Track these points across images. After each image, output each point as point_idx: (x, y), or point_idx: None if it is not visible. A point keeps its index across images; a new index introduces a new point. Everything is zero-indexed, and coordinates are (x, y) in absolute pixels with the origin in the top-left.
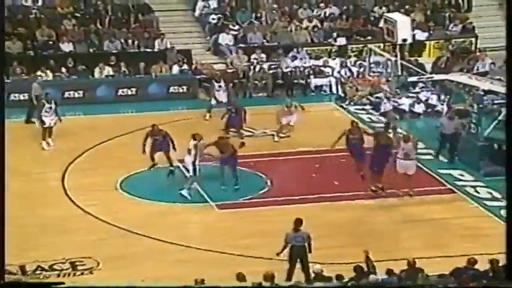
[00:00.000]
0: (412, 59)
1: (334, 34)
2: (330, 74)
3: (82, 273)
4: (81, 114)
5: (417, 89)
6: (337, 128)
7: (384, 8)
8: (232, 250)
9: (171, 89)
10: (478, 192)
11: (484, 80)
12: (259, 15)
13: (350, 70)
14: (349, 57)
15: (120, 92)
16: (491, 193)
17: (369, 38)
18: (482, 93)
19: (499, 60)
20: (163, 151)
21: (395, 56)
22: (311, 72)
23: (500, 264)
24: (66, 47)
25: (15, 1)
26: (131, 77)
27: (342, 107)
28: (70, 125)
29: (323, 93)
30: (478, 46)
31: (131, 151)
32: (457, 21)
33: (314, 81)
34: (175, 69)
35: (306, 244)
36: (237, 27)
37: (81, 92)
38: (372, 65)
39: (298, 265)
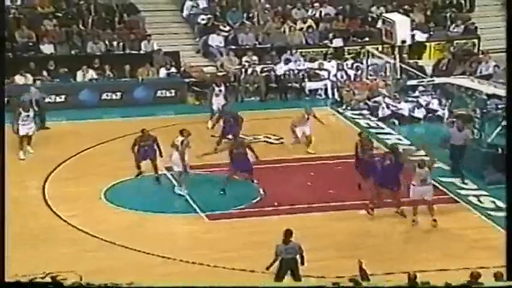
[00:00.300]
0: (411, 61)
1: (330, 35)
2: (326, 77)
3: None
4: (63, 120)
5: (417, 93)
6: (333, 133)
7: (382, 8)
8: (223, 263)
9: (158, 94)
10: (482, 202)
11: (487, 83)
12: (251, 15)
13: (346, 73)
14: (346, 59)
15: (104, 96)
16: (494, 202)
17: (367, 39)
18: (485, 97)
19: (503, 63)
20: (150, 159)
21: (394, 59)
22: (306, 75)
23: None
24: (47, 48)
25: None
26: (116, 80)
27: (338, 111)
28: (51, 131)
29: (318, 97)
30: (480, 48)
31: (116, 159)
32: (458, 21)
33: (309, 85)
34: (163, 72)
35: (298, 256)
36: (227, 28)
37: (63, 96)
38: (370, 68)
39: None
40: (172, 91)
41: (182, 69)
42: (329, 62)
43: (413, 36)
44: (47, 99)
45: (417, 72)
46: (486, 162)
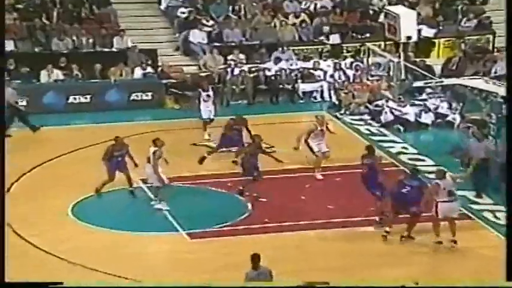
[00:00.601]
0: (418, 60)
1: (326, 31)
2: (321, 78)
3: None
4: (25, 126)
5: (424, 96)
6: (330, 141)
7: (384, 0)
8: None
9: (133, 96)
10: (498, 218)
11: (503, 84)
12: (237, 8)
13: (345, 73)
14: (344, 58)
15: (71, 99)
16: None
17: (367, 35)
18: (501, 100)
19: None
20: (123, 171)
21: (399, 57)
22: (299, 75)
23: None
24: (7, 45)
25: None
26: (85, 81)
27: (336, 117)
28: (12, 139)
29: (313, 100)
30: (496, 45)
31: (86, 170)
32: (471, 15)
33: (302, 87)
34: (138, 72)
35: None
36: (211, 22)
37: (24, 99)
38: (371, 68)
39: None
40: (149, 94)
41: (160, 69)
42: (325, 60)
43: (419, 31)
44: None
45: (424, 73)
46: (503, 173)
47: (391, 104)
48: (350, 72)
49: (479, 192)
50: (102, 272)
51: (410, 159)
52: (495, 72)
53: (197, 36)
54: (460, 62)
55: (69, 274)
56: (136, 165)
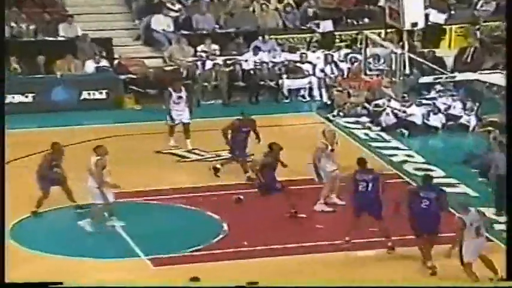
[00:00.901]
0: (425, 51)
1: (315, 15)
2: (310, 72)
3: None
4: None
5: (433, 94)
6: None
7: None
8: None
9: (85, 95)
10: None
11: None
12: None
13: (338, 67)
14: (338, 49)
15: (9, 98)
16: None
17: (365, 21)
18: None
19: None
20: (60, 184)
21: (402, 47)
22: (283, 70)
23: None
24: None
25: None
26: (26, 77)
27: (327, 119)
28: None
29: (301, 99)
30: None
31: (25, 184)
32: None
33: (288, 83)
34: (90, 66)
35: None
36: (177, 6)
37: None
38: (370, 60)
39: None
40: (103, 92)
41: (116, 62)
42: (314, 52)
43: (427, 17)
44: None
45: (433, 66)
46: None
47: (393, 103)
48: (344, 66)
49: (500, 209)
50: None
51: (416, 169)
52: None
53: (161, 23)
54: (475, 53)
55: None
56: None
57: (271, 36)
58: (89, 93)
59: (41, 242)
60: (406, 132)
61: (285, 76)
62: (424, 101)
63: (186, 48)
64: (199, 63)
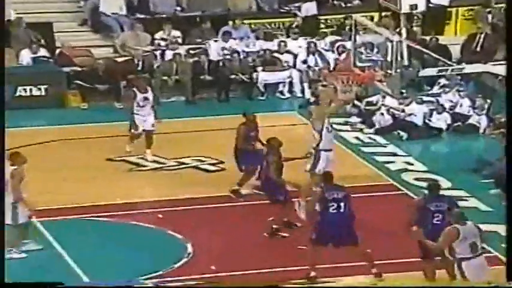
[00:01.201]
0: (427, 38)
1: None
2: (291, 64)
3: None
4: None
5: (437, 89)
6: (303, 154)
7: None
8: None
9: (20, 91)
10: None
11: None
12: None
13: (323, 58)
14: (324, 35)
15: None
16: None
17: (355, 3)
18: None
19: None
20: None
21: (399, 34)
22: (258, 61)
23: None
24: None
25: None
26: None
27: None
28: None
29: (279, 96)
30: None
31: None
32: None
33: (264, 77)
34: (26, 56)
35: None
36: None
37: None
38: (361, 50)
39: None
40: (42, 87)
41: (58, 51)
42: (295, 39)
43: None
44: None
45: (436, 56)
46: None
47: (389, 101)
48: (331, 56)
49: None
50: None
51: (417, 179)
52: None
53: (112, 5)
54: (486, 40)
55: None
56: None
57: (244, 21)
58: (25, 89)
59: None
60: (404, 135)
61: (260, 68)
62: (425, 98)
63: (141, 35)
64: (157, 53)
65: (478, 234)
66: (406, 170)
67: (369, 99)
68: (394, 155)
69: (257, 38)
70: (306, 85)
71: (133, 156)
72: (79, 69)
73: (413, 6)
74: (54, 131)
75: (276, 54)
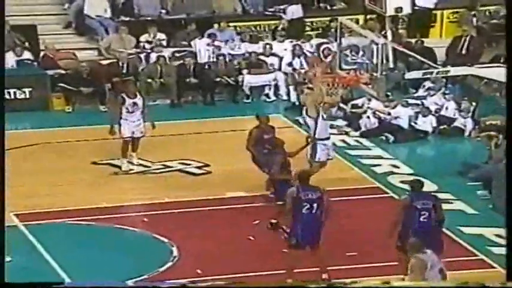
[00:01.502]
0: (412, 41)
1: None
2: (276, 67)
3: None
4: None
5: (422, 92)
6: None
7: None
8: None
9: (4, 95)
10: None
11: None
12: None
13: (309, 61)
14: (310, 38)
15: None
16: None
17: (340, 6)
18: None
19: None
20: None
21: (385, 37)
22: (244, 64)
23: None
24: None
25: None
26: None
27: (297, 122)
28: None
29: (265, 99)
30: None
31: None
32: None
33: (249, 80)
34: (10, 59)
35: None
36: None
37: None
38: (346, 52)
39: None
40: (26, 90)
41: (42, 54)
42: (281, 42)
43: (414, 0)
44: None
45: (422, 59)
46: None
47: (374, 104)
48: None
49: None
50: None
51: (403, 182)
52: None
53: (96, 7)
54: (472, 43)
55: None
56: None
57: (229, 24)
58: (8, 92)
59: None
60: (390, 137)
61: (245, 71)
62: (411, 101)
63: (126, 37)
64: (142, 55)
65: (439, 260)
66: (392, 172)
67: (355, 102)
68: (380, 158)
69: (242, 41)
70: (291, 88)
71: (118, 160)
72: (63, 72)
73: (399, 9)
74: (38, 134)
75: (261, 57)
